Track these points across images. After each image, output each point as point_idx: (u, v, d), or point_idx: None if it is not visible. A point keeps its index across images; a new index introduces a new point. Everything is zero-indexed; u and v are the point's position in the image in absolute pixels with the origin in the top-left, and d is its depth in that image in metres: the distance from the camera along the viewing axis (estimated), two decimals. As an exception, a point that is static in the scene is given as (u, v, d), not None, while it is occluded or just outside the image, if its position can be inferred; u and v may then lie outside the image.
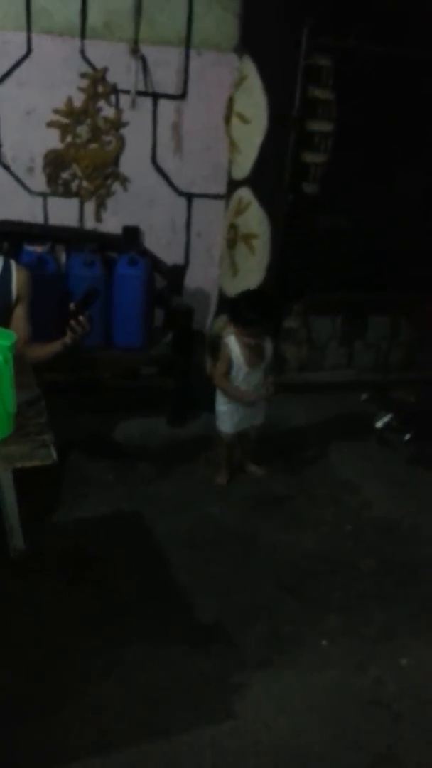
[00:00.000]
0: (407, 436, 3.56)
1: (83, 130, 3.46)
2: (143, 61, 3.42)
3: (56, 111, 3.40)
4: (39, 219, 3.56)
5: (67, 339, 2.41)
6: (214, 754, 1.76)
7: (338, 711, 1.93)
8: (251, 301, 2.81)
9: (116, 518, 2.72)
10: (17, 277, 2.50)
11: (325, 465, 3.29)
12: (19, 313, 2.54)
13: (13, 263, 2.54)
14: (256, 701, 1.93)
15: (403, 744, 1.85)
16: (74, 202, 3.61)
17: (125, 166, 3.61)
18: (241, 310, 2.77)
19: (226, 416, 2.95)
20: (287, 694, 1.97)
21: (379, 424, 3.68)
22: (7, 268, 2.50)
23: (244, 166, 3.56)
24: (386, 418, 3.69)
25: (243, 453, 3.15)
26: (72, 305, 2.39)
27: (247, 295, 2.89)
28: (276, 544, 2.64)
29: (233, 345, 2.82)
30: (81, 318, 2.36)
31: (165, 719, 1.85)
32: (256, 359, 2.84)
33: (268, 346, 2.91)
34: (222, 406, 2.95)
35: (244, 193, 3.59)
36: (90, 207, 3.64)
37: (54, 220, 3.61)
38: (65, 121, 3.42)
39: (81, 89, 3.39)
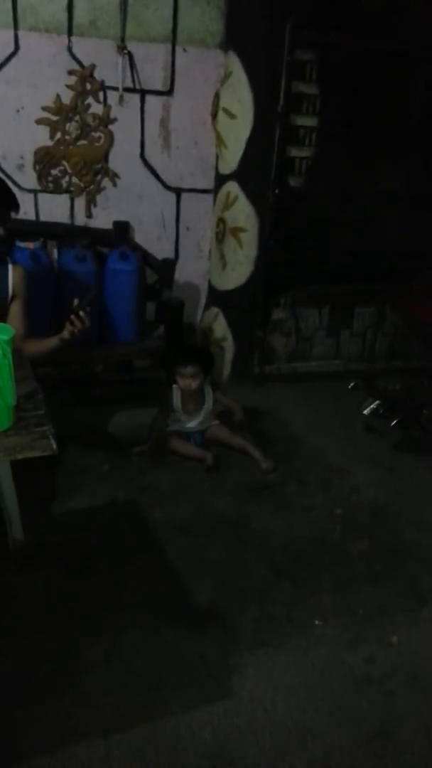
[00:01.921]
0: (393, 422, 3.65)
1: (72, 127, 3.49)
2: (130, 57, 3.45)
3: (45, 108, 3.43)
4: (30, 215, 3.59)
5: (66, 334, 2.48)
6: (212, 733, 1.80)
7: (332, 688, 1.98)
8: (188, 349, 3.42)
9: (112, 508, 2.76)
10: (13, 274, 2.55)
11: (314, 452, 3.34)
12: (15, 310, 2.58)
13: (9, 260, 2.59)
14: (253, 681, 1.98)
15: (395, 720, 1.90)
16: (65, 198, 3.65)
17: (114, 162, 3.65)
18: (177, 354, 3.24)
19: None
20: (282, 673, 2.02)
21: (366, 411, 3.77)
22: (3, 264, 2.55)
23: (231, 161, 3.61)
24: (373, 405, 3.78)
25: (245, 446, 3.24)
26: (75, 301, 2.48)
27: (186, 346, 3.56)
28: (268, 529, 2.70)
29: (176, 392, 3.22)
30: (81, 314, 2.43)
31: (164, 701, 1.89)
32: (192, 406, 3.23)
33: (209, 394, 3.26)
34: None
35: (232, 188, 3.64)
36: (80, 203, 3.68)
37: (45, 216, 3.65)
38: (54, 118, 3.45)
39: (69, 86, 3.42)
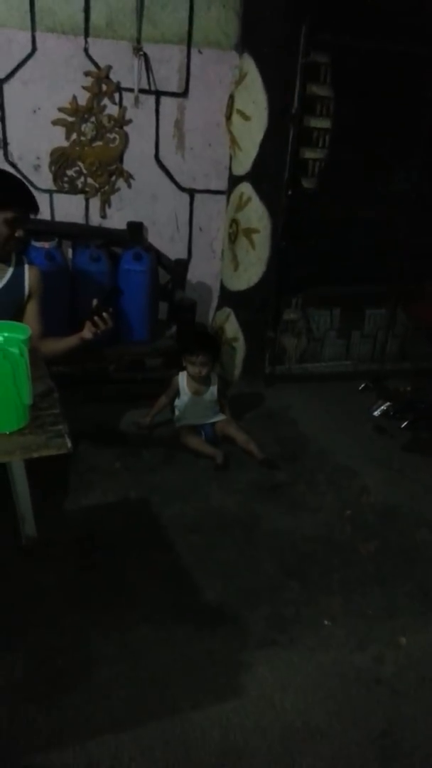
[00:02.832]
0: (403, 424, 3.66)
1: (88, 128, 3.52)
2: (146, 59, 3.48)
3: (61, 109, 3.46)
4: (46, 216, 3.63)
5: (87, 334, 2.47)
6: (221, 731, 1.81)
7: (340, 689, 1.99)
8: (199, 337, 3.40)
9: (123, 505, 2.78)
10: (29, 274, 2.58)
11: (324, 452, 3.34)
12: (32, 309, 2.61)
13: (25, 260, 2.62)
14: (261, 680, 1.99)
15: (403, 721, 1.90)
16: (80, 198, 3.69)
17: (129, 163, 3.68)
18: (186, 341, 3.31)
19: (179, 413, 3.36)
20: (291, 672, 2.02)
21: (376, 413, 3.78)
22: (20, 265, 2.58)
23: (244, 162, 3.62)
24: (383, 407, 3.79)
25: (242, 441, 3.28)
26: (95, 301, 2.46)
27: (194, 331, 3.60)
28: (277, 528, 2.71)
29: (182, 376, 3.29)
30: (105, 315, 2.43)
31: (174, 699, 1.90)
32: (198, 388, 3.29)
33: (214, 378, 3.33)
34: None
35: (245, 189, 3.65)
36: (95, 203, 3.72)
37: (60, 216, 3.69)
38: (70, 119, 3.48)
39: (85, 87, 3.45)
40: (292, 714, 1.90)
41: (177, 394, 3.32)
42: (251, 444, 3.22)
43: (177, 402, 3.34)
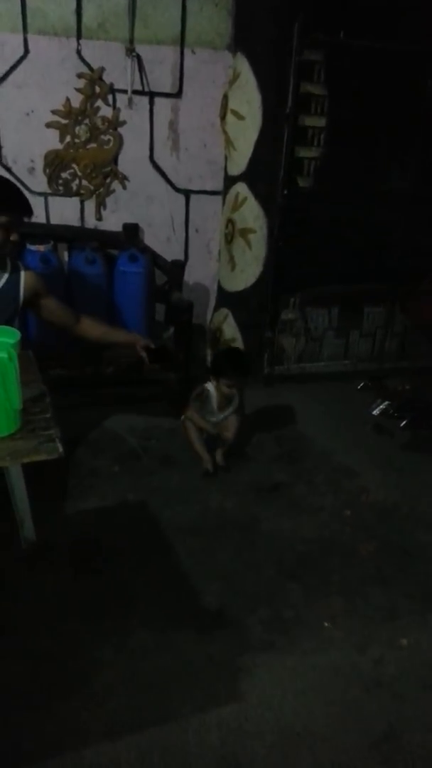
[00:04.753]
0: (403, 423, 3.65)
1: (82, 130, 3.51)
2: (139, 60, 3.46)
3: (55, 112, 3.45)
4: (41, 219, 3.62)
5: (140, 347, 2.83)
6: (220, 736, 1.80)
7: (341, 692, 1.98)
8: (232, 359, 3.21)
9: (122, 509, 2.77)
10: (25, 280, 2.58)
11: (323, 452, 3.34)
12: (53, 305, 2.72)
13: (21, 266, 2.62)
14: (261, 683, 1.97)
15: (404, 724, 1.89)
16: (75, 201, 3.68)
17: (124, 164, 3.66)
18: (224, 366, 3.12)
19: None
20: (291, 675, 2.01)
21: (375, 412, 3.77)
22: (15, 271, 2.57)
23: (239, 162, 3.61)
24: (382, 406, 3.78)
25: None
26: (148, 352, 2.82)
27: (228, 354, 3.39)
28: (277, 530, 2.70)
29: (212, 390, 3.14)
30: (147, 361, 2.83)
31: (172, 703, 1.89)
32: (224, 405, 3.17)
33: (237, 395, 3.19)
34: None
35: (241, 189, 3.64)
36: (90, 206, 3.70)
37: (55, 219, 3.67)
38: (64, 121, 3.47)
39: (78, 89, 3.43)
40: (291, 718, 1.89)
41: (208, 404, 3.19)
42: (224, 447, 3.18)
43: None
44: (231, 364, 3.12)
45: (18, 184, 3.37)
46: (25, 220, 2.51)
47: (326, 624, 2.24)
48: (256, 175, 3.56)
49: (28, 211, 2.48)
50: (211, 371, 3.18)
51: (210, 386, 3.14)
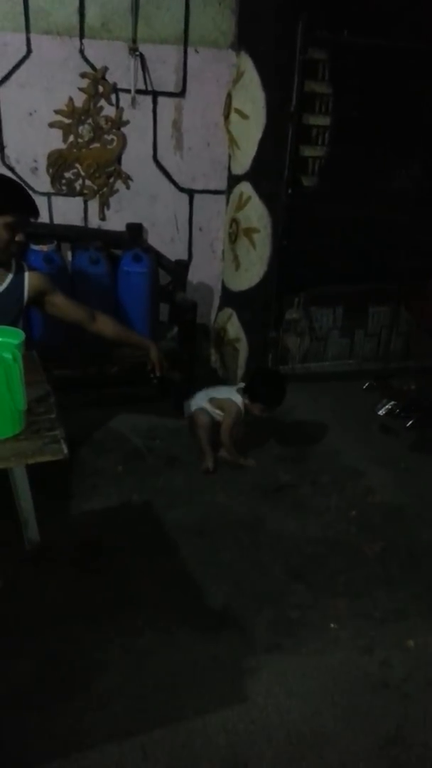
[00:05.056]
0: (409, 423, 3.63)
1: (85, 130, 3.50)
2: (142, 59, 3.46)
3: (58, 111, 3.45)
4: (44, 218, 3.60)
5: (152, 353, 2.90)
6: (226, 738, 1.79)
7: (347, 693, 1.97)
8: (275, 387, 3.15)
9: (127, 509, 2.76)
10: (30, 280, 2.57)
11: (328, 453, 3.32)
12: (62, 301, 2.71)
13: (26, 267, 2.61)
14: (267, 685, 1.96)
15: (411, 725, 1.88)
16: (78, 201, 3.67)
17: (127, 164, 3.66)
18: (266, 393, 3.11)
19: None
20: (297, 677, 2.00)
21: (381, 412, 3.75)
22: (20, 272, 2.57)
23: (243, 162, 3.60)
24: (388, 406, 3.76)
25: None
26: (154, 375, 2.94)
27: (270, 381, 3.22)
28: (282, 530, 2.69)
29: (239, 401, 3.15)
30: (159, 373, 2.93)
31: (178, 705, 1.88)
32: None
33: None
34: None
35: (245, 188, 3.63)
36: (94, 205, 3.70)
37: (59, 219, 3.67)
38: (67, 121, 3.47)
39: (81, 89, 3.43)
40: (298, 719, 1.88)
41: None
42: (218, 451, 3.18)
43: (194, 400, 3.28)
44: (273, 394, 3.12)
45: (22, 185, 3.38)
46: (31, 221, 2.50)
47: (332, 625, 2.23)
48: (261, 174, 3.54)
49: (34, 211, 2.47)
50: (248, 392, 3.14)
51: (237, 400, 3.15)
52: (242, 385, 3.22)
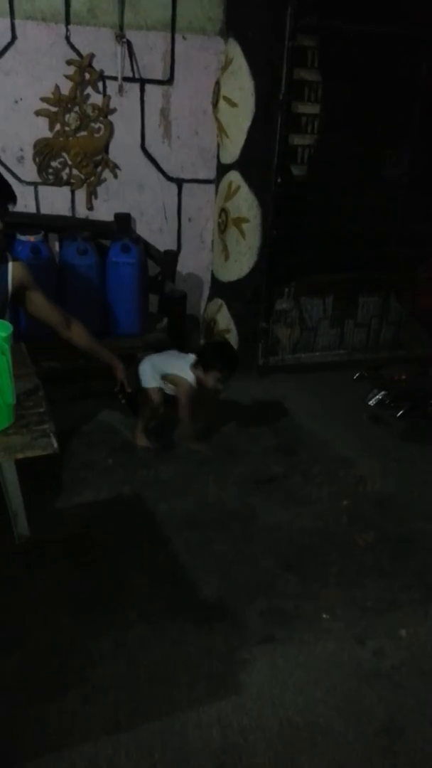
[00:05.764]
0: (400, 413, 3.63)
1: (72, 118, 3.46)
2: (129, 46, 3.42)
3: (44, 99, 3.40)
4: (31, 208, 3.58)
5: (119, 374, 2.91)
6: (220, 730, 1.79)
7: (340, 683, 1.97)
8: (227, 352, 3.10)
9: (117, 502, 2.75)
10: (13, 272, 2.53)
11: (319, 443, 3.32)
12: (39, 300, 2.65)
13: (9, 257, 2.57)
14: (260, 676, 1.96)
15: (404, 714, 1.88)
16: (65, 190, 3.63)
17: (115, 153, 3.62)
18: (216, 359, 3.00)
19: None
20: (290, 668, 2.00)
21: (371, 402, 3.75)
22: (3, 262, 2.52)
23: (232, 150, 3.57)
24: (379, 396, 3.76)
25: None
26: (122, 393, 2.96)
27: (221, 347, 3.26)
28: (274, 521, 2.68)
29: (190, 379, 3.03)
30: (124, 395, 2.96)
31: (171, 697, 1.87)
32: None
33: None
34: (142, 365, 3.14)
35: (234, 177, 3.61)
36: (81, 195, 3.66)
37: (46, 209, 3.63)
38: (53, 109, 3.42)
39: (68, 76, 3.39)
40: (291, 710, 1.88)
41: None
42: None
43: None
44: (225, 359, 3.01)
45: (7, 174, 3.35)
46: (11, 208, 2.45)
47: (325, 615, 2.22)
48: (250, 163, 3.52)
49: (12, 197, 2.42)
50: (201, 362, 3.02)
51: (189, 377, 3.02)
52: (192, 357, 3.07)
